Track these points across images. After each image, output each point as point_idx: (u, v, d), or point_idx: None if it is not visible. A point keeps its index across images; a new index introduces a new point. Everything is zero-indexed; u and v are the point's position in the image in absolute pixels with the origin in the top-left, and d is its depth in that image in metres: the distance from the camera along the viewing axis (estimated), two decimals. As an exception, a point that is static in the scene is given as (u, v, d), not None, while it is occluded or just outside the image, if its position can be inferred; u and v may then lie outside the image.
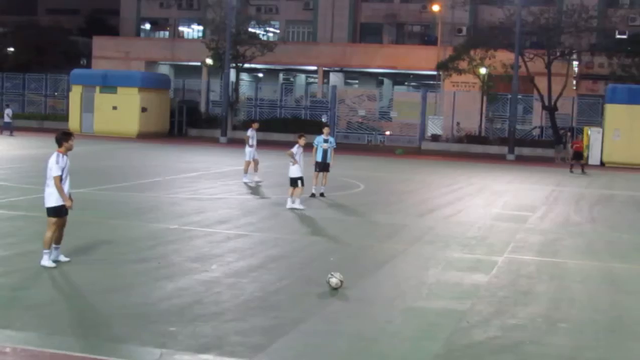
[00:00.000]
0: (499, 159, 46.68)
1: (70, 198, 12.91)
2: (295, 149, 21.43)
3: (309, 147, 22.85)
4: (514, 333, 10.43)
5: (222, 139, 51.44)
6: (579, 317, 11.51)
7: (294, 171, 21.17)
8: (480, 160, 44.59)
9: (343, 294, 11.94)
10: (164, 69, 69.65)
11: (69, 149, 12.94)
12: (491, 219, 21.02)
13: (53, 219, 12.85)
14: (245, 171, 27.24)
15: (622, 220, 22.65)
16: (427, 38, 66.45)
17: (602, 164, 45.10)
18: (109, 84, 52.56)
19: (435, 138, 54.79)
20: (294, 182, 21.08)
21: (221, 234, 16.87)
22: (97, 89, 52.71)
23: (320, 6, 68.57)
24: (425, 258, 15.29)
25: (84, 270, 12.82)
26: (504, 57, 49.77)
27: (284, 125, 54.27)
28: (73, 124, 53.11)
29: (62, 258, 13.09)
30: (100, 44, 70.15)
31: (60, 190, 12.68)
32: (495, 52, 50.54)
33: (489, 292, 12.66)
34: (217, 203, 21.94)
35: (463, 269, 14.33)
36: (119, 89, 52.30)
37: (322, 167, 23.72)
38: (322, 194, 23.57)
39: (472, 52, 51.87)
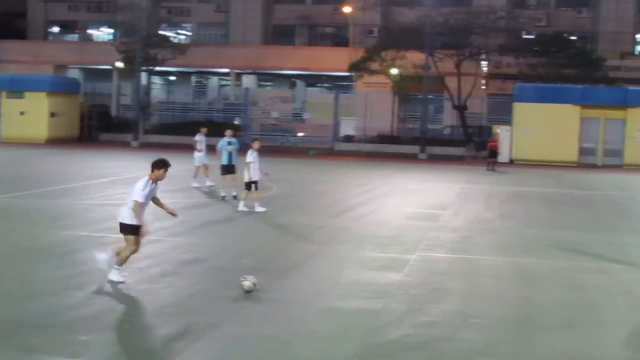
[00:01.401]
0: (411, 158, 47.20)
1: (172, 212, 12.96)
2: (249, 155, 21.39)
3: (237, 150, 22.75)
4: (427, 330, 10.57)
5: (134, 143, 50.85)
6: (491, 312, 11.71)
7: (247, 175, 21.27)
8: (393, 160, 45.01)
9: (258, 296, 11.92)
10: (74, 73, 68.36)
11: (159, 178, 12.46)
12: (404, 218, 21.25)
13: (132, 237, 12.37)
14: (195, 176, 26.99)
15: (531, 216, 23.13)
16: (339, 39, 66.82)
17: (511, 161, 46.03)
18: (16, 89, 51.45)
19: (348, 139, 55.13)
20: (248, 186, 21.17)
21: (134, 239, 16.63)
22: (4, 94, 51.56)
23: (233, 8, 68.28)
24: (340, 258, 15.38)
25: (-8, 280, 12.54)
26: (415, 57, 50.35)
27: (197, 128, 53.80)
28: (-21, 130, 51.91)
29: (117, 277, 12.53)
30: (7, 48, 68.42)
31: (137, 214, 12.20)
32: (406, 52, 51.10)
33: (402, 290, 12.80)
34: (130, 208, 21.64)
35: (377, 268, 14.45)
36: (27, 94, 51.23)
37: (229, 169, 23.87)
38: (234, 197, 23.53)
39: (383, 53, 52.35)
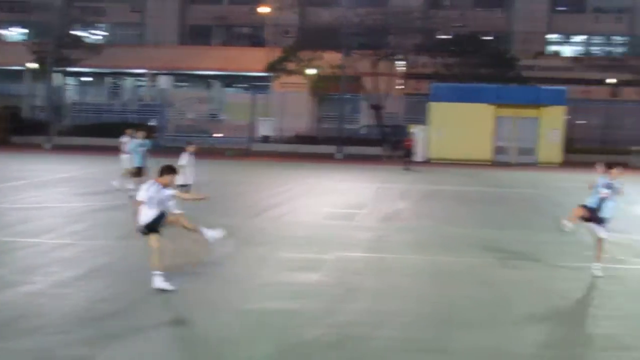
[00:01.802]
0: (328, 158, 47.32)
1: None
2: (182, 158, 21.12)
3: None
4: (344, 329, 10.53)
5: (47, 146, 49.92)
6: (408, 310, 11.73)
7: (180, 179, 20.97)
8: (310, 160, 45.08)
9: (173, 298, 11.75)
10: (-16, 74, 66.92)
11: (165, 183, 12.30)
12: (321, 218, 21.23)
13: (152, 237, 12.20)
14: (123, 176, 26.41)
15: (448, 214, 23.35)
16: (256, 40, 66.69)
17: (427, 160, 46.51)
18: None
19: (265, 139, 55.07)
20: (180, 187, 20.91)
21: (46, 244, 16.27)
22: None
23: (148, 8, 67.63)
24: (257, 259, 15.27)
25: None
26: (332, 57, 50.55)
27: (112, 130, 53.12)
28: None
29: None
30: None
31: (135, 212, 12.20)
32: (323, 53, 51.28)
33: (319, 290, 12.75)
34: (43, 212, 21.17)
35: (294, 268, 14.38)
36: None
37: (139, 171, 23.65)
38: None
39: (300, 54, 52.45)
